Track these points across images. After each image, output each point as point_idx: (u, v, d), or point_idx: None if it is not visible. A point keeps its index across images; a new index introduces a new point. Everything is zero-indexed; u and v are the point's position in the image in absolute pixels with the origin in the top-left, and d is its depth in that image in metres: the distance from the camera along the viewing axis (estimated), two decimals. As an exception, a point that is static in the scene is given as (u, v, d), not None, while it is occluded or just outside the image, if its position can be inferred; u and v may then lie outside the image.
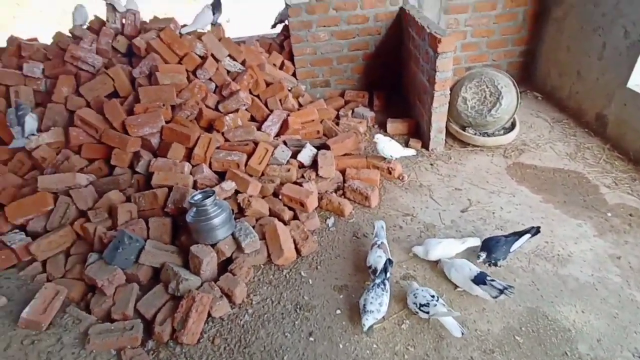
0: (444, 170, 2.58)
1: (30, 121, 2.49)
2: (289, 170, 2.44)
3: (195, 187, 2.27)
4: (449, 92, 2.53)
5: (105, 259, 1.91)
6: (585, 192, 2.28)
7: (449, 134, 2.78)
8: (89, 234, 2.09)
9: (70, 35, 2.96)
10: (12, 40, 3.05)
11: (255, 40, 3.48)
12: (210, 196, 1.92)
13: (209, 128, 2.62)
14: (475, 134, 2.71)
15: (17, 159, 2.49)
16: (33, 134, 2.47)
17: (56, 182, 2.24)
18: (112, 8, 2.94)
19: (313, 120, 2.93)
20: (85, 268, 1.91)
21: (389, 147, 2.42)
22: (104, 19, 3.03)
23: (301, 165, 2.57)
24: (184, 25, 2.91)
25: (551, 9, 3.10)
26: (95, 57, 2.73)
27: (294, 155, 2.59)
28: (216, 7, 2.98)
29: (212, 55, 2.87)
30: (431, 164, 2.64)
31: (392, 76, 3.41)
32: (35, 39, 3.24)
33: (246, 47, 3.19)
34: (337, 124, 3.08)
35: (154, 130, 2.41)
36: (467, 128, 2.74)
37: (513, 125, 2.73)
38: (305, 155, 2.56)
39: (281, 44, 3.55)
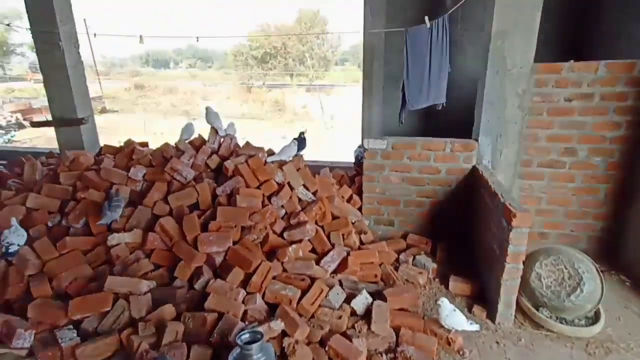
0: (512, 354, 2.27)
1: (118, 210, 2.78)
2: (340, 317, 2.32)
3: (244, 318, 2.23)
4: (522, 265, 2.38)
5: (139, 384, 1.84)
6: None
7: (519, 308, 2.53)
8: (132, 346, 2.08)
9: (174, 147, 3.45)
10: (129, 143, 3.63)
11: (329, 171, 3.75)
12: (257, 340, 1.85)
13: (271, 253, 2.68)
14: (550, 317, 2.43)
15: (96, 252, 2.71)
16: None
17: (121, 285, 2.35)
18: (214, 131, 3.42)
19: (372, 263, 2.88)
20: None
21: (452, 317, 2.24)
22: (205, 137, 3.53)
23: (353, 313, 2.45)
24: (272, 154, 3.26)
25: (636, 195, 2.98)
26: (189, 170, 3.09)
27: (348, 299, 2.50)
28: (301, 142, 3.33)
29: (289, 183, 3.11)
30: (497, 342, 2.36)
31: (458, 229, 3.35)
32: (147, 144, 3.83)
33: (320, 178, 3.43)
34: (396, 268, 2.99)
35: (220, 250, 2.53)
36: (541, 308, 2.48)
37: (597, 316, 2.42)
38: (360, 303, 2.46)
39: (352, 178, 3.77)
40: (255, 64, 29.14)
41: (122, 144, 3.68)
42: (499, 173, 3.17)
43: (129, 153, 3.45)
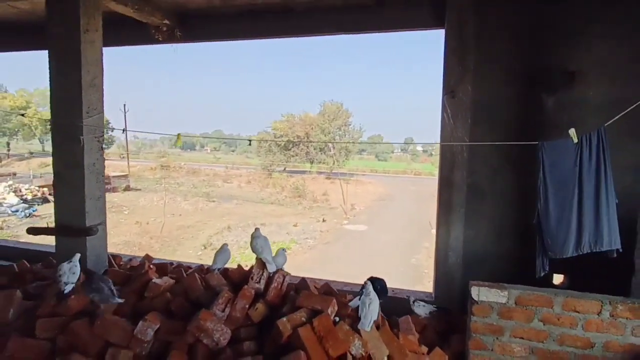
0: None
1: None
2: None
3: None
4: None
5: None
6: None
7: None
8: None
9: (201, 277, 2.51)
10: (144, 270, 2.73)
11: (409, 318, 2.69)
12: None
13: None
14: None
15: None
16: None
17: None
18: (262, 264, 2.50)
19: None
20: None
21: None
22: (243, 265, 2.61)
23: None
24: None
25: None
26: (223, 330, 2.09)
27: None
28: (382, 292, 2.36)
29: (370, 356, 2.05)
30: None
31: None
32: (166, 268, 2.92)
33: (406, 339, 2.36)
34: None
35: None
36: None
37: None
38: None
39: (443, 334, 2.68)
40: (278, 151, 29.82)
41: (130, 266, 2.79)
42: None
43: (140, 287, 2.52)
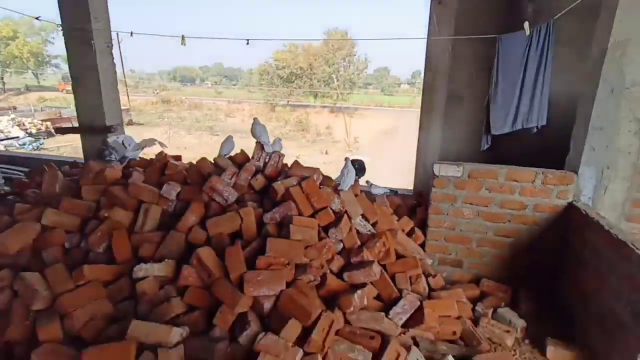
0: None
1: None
2: (426, 395, 1.77)
3: (303, 390, 1.70)
4: (668, 341, 1.79)
5: None
6: None
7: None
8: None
9: (212, 162, 3.02)
10: (161, 156, 3.23)
11: (385, 197, 3.25)
12: None
13: (329, 299, 2.17)
14: None
15: (119, 284, 2.24)
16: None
17: (148, 333, 1.87)
18: (260, 146, 2.99)
19: (449, 316, 2.33)
20: None
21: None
22: (248, 153, 3.10)
23: (438, 387, 1.89)
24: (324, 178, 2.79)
25: None
26: (231, 191, 2.64)
27: (428, 367, 1.94)
28: (360, 169, 2.85)
29: (347, 212, 2.62)
30: None
31: (545, 277, 2.77)
32: (180, 157, 3.43)
33: (379, 206, 2.93)
34: (474, 322, 2.43)
35: (270, 293, 2.03)
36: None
37: None
38: (447, 375, 1.90)
39: (412, 208, 3.25)
40: (280, 84, 29.35)
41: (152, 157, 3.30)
42: (601, 212, 2.60)
43: (160, 167, 3.04)
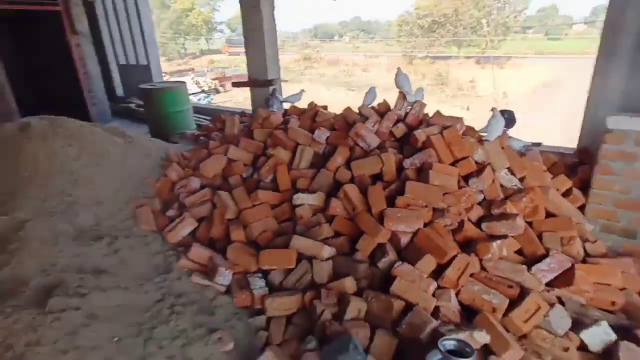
0: None
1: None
2: (567, 349, 1.73)
3: (435, 315, 1.88)
4: None
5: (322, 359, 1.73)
6: None
7: None
8: (314, 311, 2.01)
9: (358, 112, 3.25)
10: (312, 106, 3.63)
11: (539, 153, 2.96)
12: (466, 355, 1.47)
13: (465, 244, 2.23)
14: None
15: (282, 208, 2.77)
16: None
17: (305, 246, 2.31)
18: (402, 96, 3.06)
19: (610, 285, 2.11)
20: (302, 353, 1.80)
21: None
22: (390, 104, 3.21)
23: (582, 347, 1.81)
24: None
25: None
26: (373, 137, 2.84)
27: (573, 326, 1.86)
28: (509, 121, 2.66)
29: (490, 164, 2.53)
30: None
31: None
32: (326, 107, 3.78)
33: (529, 161, 2.71)
34: (642, 299, 2.14)
35: (408, 230, 2.21)
36: None
37: None
38: (596, 337, 1.80)
39: (571, 167, 2.89)
40: (420, 34, 27.47)
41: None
42: None
43: (312, 115, 3.43)
